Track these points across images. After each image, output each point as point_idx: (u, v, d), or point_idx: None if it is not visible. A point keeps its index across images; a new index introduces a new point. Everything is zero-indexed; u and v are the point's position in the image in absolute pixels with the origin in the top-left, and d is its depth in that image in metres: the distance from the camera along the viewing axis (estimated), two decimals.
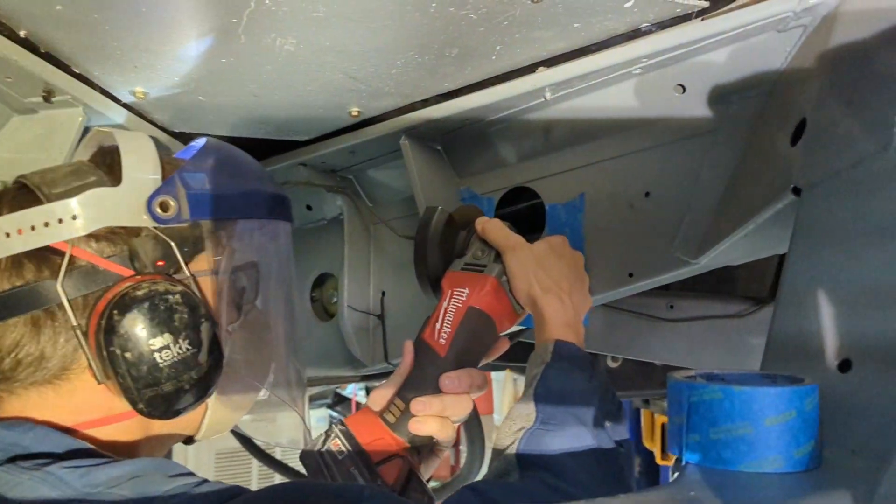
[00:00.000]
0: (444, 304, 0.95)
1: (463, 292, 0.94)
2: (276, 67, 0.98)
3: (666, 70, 0.95)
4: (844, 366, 0.63)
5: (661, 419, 2.19)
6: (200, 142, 0.91)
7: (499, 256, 0.96)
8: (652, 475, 3.18)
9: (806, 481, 0.54)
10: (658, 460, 2.26)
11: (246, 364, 0.89)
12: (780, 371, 0.63)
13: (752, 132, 0.93)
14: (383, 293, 1.44)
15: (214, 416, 0.87)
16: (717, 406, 0.56)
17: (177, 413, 0.78)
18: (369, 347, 1.45)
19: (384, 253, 1.44)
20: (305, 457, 0.89)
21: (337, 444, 0.87)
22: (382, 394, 0.94)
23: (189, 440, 0.89)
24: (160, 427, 0.82)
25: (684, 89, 0.97)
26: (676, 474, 0.58)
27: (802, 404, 0.55)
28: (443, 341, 0.92)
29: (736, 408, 0.55)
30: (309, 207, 1.56)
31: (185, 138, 1.22)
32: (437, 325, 0.93)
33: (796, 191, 0.75)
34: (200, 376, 0.78)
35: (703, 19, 0.87)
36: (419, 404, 0.89)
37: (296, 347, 1.02)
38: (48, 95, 0.99)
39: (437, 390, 0.90)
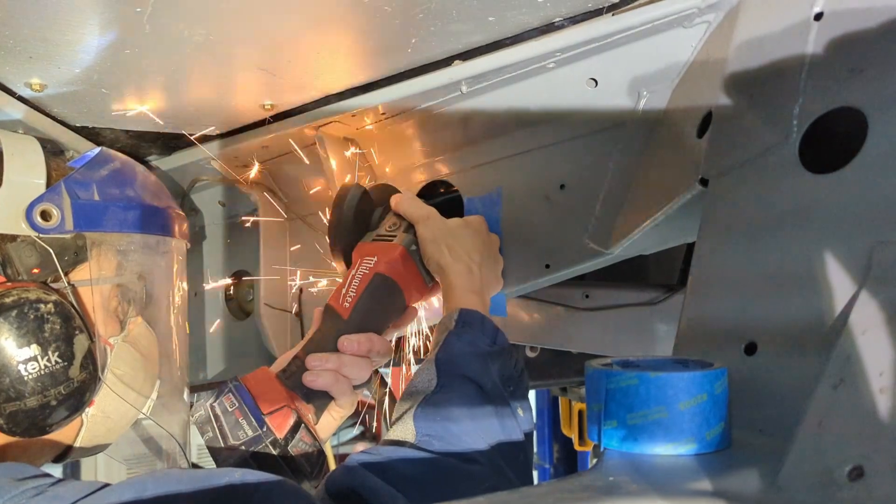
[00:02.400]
0: (353, 271, 0.96)
1: (371, 260, 0.96)
2: (184, 59, 0.94)
3: (579, 64, 0.97)
4: (750, 349, 0.66)
5: (578, 406, 2.25)
6: (94, 150, 0.88)
7: (411, 228, 0.98)
8: (570, 461, 3.26)
9: (717, 461, 0.56)
10: (576, 446, 2.31)
11: (127, 379, 0.86)
12: (690, 356, 0.65)
13: (661, 125, 0.96)
14: (301, 290, 1.42)
15: (90, 433, 0.84)
16: (633, 392, 0.57)
17: (42, 430, 0.75)
18: (287, 345, 1.42)
19: (301, 249, 1.42)
20: (196, 409, 0.88)
21: (229, 398, 0.87)
22: (284, 357, 0.95)
23: (61, 457, 0.85)
24: (26, 443, 0.77)
25: (596, 83, 0.99)
26: (596, 460, 0.59)
27: (713, 387, 0.57)
28: (346, 304, 0.94)
29: (651, 393, 0.57)
30: (222, 204, 1.52)
31: (87, 133, 1.16)
32: (343, 291, 0.95)
33: (703, 182, 0.78)
34: (71, 391, 0.75)
35: (613, 14, 0.89)
36: (315, 359, 0.90)
37: (182, 363, 1.00)
38: None
39: (336, 350, 0.92)
